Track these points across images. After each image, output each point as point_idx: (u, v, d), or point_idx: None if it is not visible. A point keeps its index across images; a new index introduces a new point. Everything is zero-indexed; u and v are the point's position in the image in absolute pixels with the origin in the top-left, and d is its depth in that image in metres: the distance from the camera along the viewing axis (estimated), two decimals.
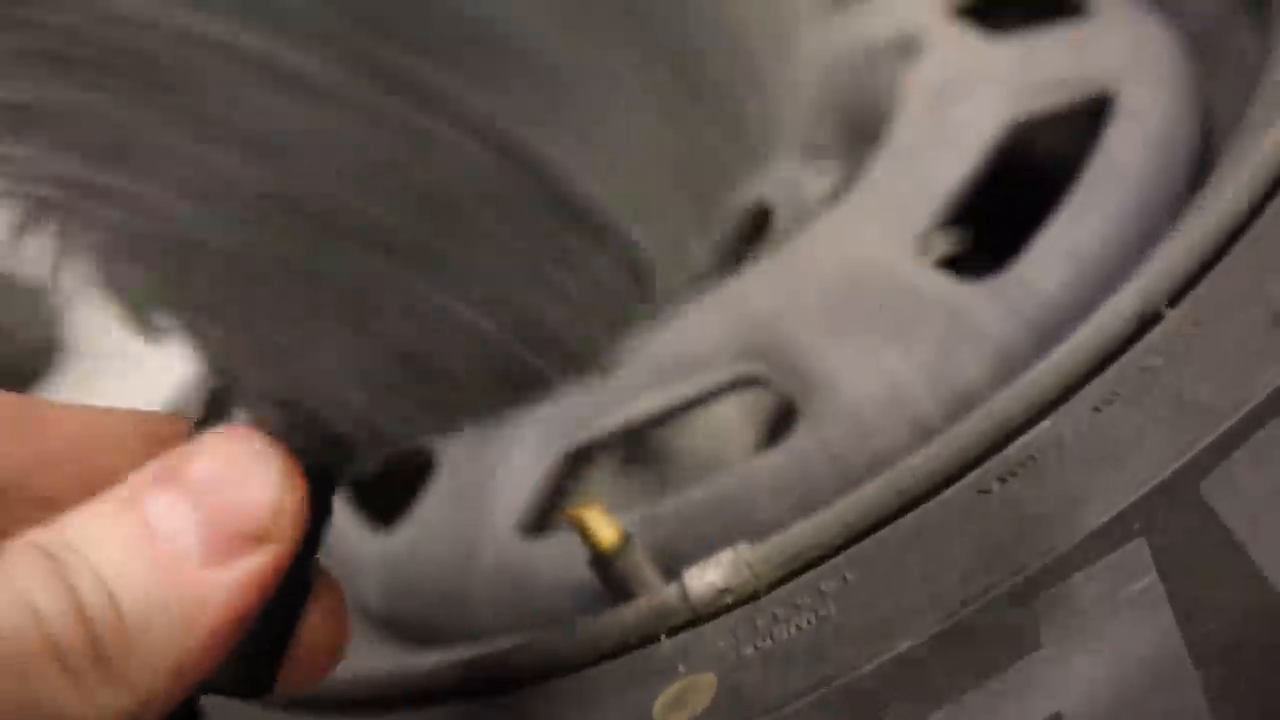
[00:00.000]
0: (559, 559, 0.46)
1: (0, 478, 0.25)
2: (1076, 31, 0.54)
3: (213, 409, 0.24)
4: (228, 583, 0.22)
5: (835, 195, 0.61)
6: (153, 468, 0.23)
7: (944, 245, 0.49)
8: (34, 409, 0.27)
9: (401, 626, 0.51)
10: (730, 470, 0.42)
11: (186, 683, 0.22)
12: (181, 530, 0.22)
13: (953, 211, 0.48)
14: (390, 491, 0.53)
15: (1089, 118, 0.50)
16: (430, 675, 0.35)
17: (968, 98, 0.51)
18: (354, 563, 0.51)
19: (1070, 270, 0.42)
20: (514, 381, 0.24)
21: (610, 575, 0.38)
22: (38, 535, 0.21)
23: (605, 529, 0.38)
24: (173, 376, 0.57)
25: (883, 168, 0.50)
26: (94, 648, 0.20)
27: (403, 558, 0.51)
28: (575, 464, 0.50)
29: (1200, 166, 0.48)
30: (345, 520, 0.52)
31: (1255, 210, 0.30)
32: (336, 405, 0.23)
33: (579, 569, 0.40)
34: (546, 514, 0.51)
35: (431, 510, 0.51)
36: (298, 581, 0.25)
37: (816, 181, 0.63)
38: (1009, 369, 0.40)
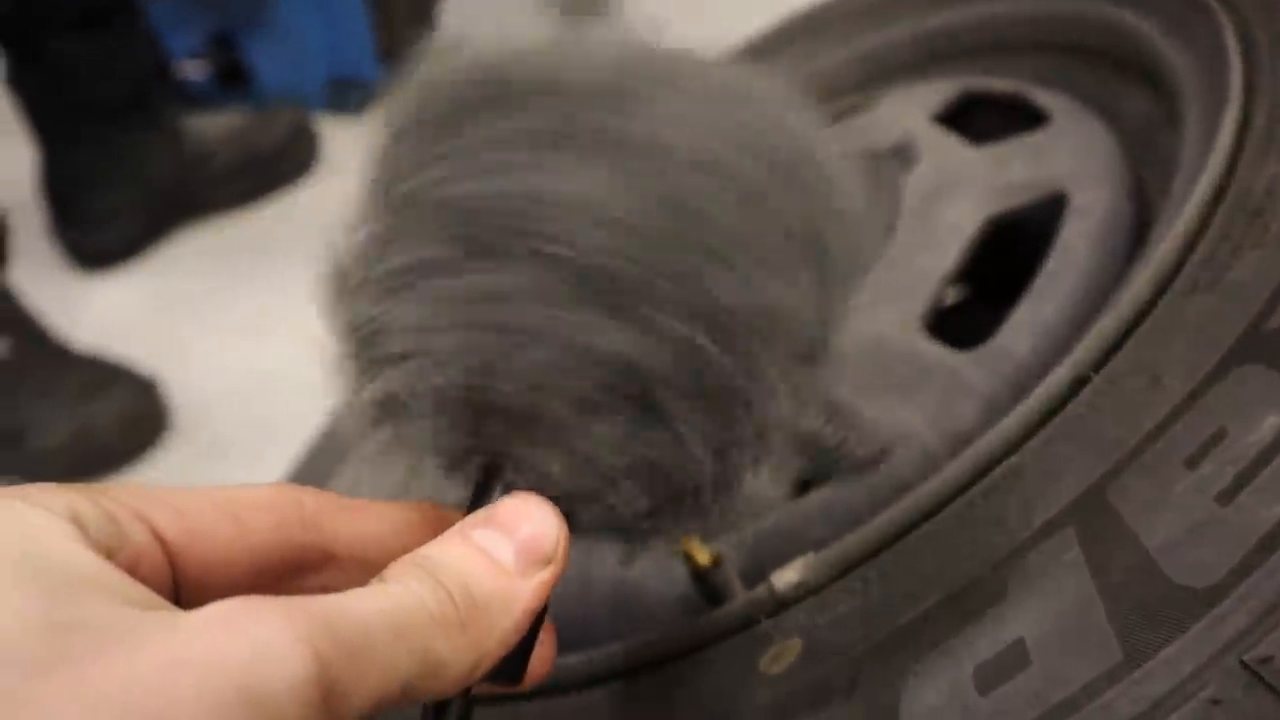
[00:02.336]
0: (656, 579, 0.59)
1: (341, 548, 0.37)
2: (1036, 139, 0.68)
3: (478, 491, 0.36)
4: (532, 586, 0.33)
5: None
6: (473, 517, 0.34)
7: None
8: (360, 505, 0.38)
9: None
10: (790, 504, 0.55)
11: (505, 650, 0.32)
12: (502, 551, 0.33)
13: (945, 291, 0.61)
14: None
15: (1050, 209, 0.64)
16: (590, 663, 0.48)
17: (952, 200, 0.65)
18: None
19: (1036, 339, 0.55)
20: None
21: (707, 585, 0.51)
22: (412, 558, 0.32)
23: (702, 553, 0.51)
24: None
25: (891, 260, 0.63)
26: (459, 619, 0.31)
27: None
28: None
29: (1138, 241, 0.62)
30: None
31: (1149, 306, 0.44)
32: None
33: (675, 585, 0.53)
34: None
35: None
36: (544, 604, 0.34)
37: None
38: (994, 414, 0.53)
